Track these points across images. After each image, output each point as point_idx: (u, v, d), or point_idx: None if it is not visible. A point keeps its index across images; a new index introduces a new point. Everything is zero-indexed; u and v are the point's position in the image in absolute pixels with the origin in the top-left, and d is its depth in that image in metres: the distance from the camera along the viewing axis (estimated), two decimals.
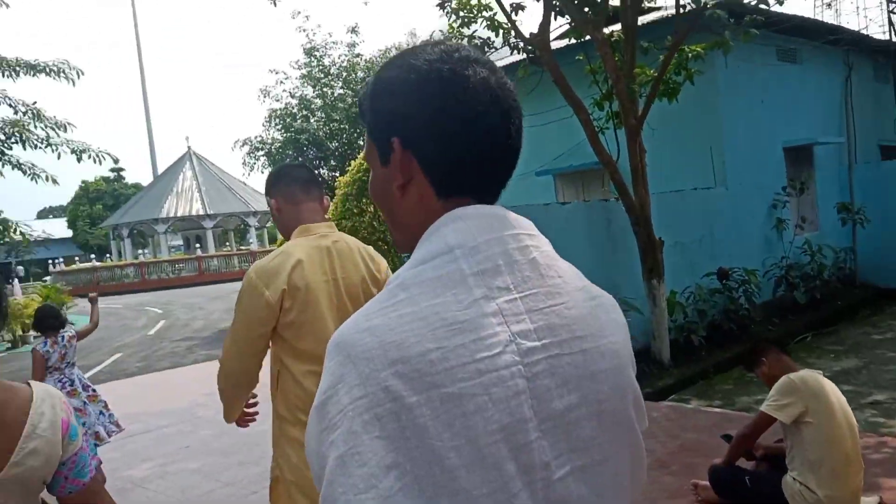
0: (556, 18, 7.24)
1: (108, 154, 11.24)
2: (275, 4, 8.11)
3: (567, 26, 8.57)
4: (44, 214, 67.06)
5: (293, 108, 16.42)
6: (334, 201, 9.90)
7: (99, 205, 55.26)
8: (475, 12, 8.08)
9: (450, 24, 8.55)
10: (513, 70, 8.26)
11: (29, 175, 11.07)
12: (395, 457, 0.69)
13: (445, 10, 8.35)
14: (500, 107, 0.85)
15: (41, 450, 1.33)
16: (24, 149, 10.72)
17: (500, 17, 7.96)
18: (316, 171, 17.40)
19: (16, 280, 35.46)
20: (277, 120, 16.53)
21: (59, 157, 10.88)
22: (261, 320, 2.18)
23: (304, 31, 16.83)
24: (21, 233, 11.30)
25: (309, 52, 16.61)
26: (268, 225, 46.65)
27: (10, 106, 10.70)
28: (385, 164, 0.87)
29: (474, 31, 8.00)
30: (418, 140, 0.83)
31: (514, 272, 0.80)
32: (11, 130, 10.35)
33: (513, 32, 7.69)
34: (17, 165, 10.94)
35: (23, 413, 1.33)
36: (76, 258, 50.74)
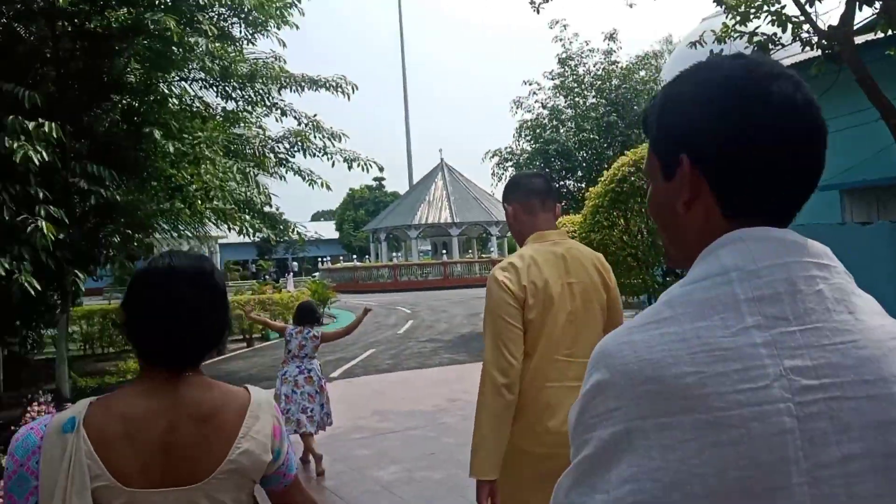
0: (861, 8, 6.11)
1: (375, 162, 12.07)
2: (537, 12, 7.96)
3: (874, 16, 7.26)
4: (316, 217, 76.07)
5: (544, 118, 16.40)
6: (583, 213, 9.52)
7: (362, 210, 61.19)
8: (758, 6, 7.17)
9: (724, 24, 7.74)
10: (803, 69, 7.18)
11: (307, 181, 12.29)
12: (635, 472, 0.70)
13: (723, 7, 7.55)
14: (804, 126, 0.80)
15: (253, 451, 1.41)
16: (305, 157, 11.92)
17: (789, 10, 6.97)
18: (562, 182, 17.36)
19: (290, 274, 40.59)
20: (527, 131, 16.62)
21: (332, 165, 11.92)
22: (510, 314, 2.28)
23: (561, 40, 16.75)
24: (298, 232, 12.59)
25: (563, 62, 16.46)
26: (507, 235, 47.82)
27: (296, 118, 11.96)
28: (669, 178, 0.85)
29: (757, 27, 7.09)
30: (709, 157, 0.81)
31: (795, 303, 0.75)
32: (295, 140, 11.57)
33: (804, 26, 6.66)
34: (298, 171, 12.21)
35: (239, 416, 1.42)
36: (340, 257, 56.71)
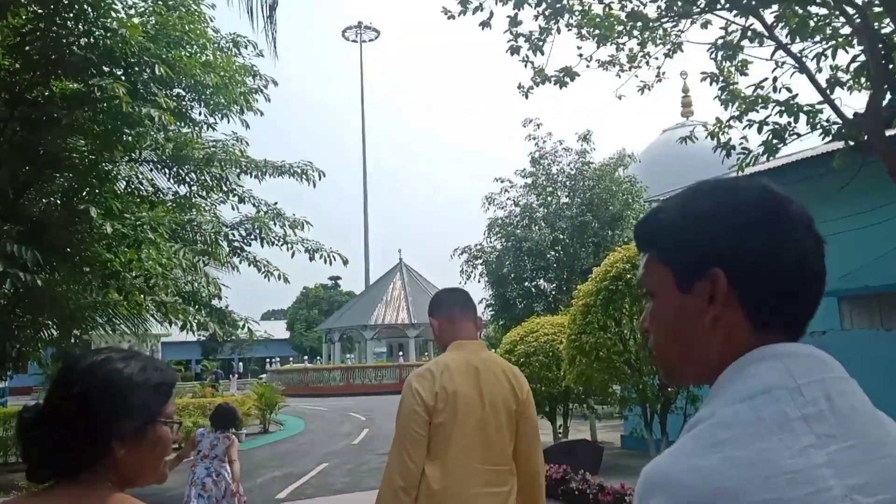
0: (891, 92, 5.65)
1: (339, 254, 11.13)
2: (526, 97, 7.39)
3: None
4: (267, 317, 73.78)
5: (516, 216, 15.89)
6: (571, 312, 8.67)
7: (316, 309, 59.46)
8: (765, 97, 6.72)
9: (717, 118, 7.29)
10: (821, 163, 6.67)
11: (263, 272, 11.21)
12: None
13: (722, 97, 7.10)
14: (814, 240, 0.85)
15: None
16: (262, 246, 10.91)
17: (800, 99, 6.52)
18: (534, 283, 16.76)
19: (235, 376, 38.25)
20: (498, 228, 16.04)
21: (292, 255, 10.91)
22: (416, 421, 2.40)
23: (535, 138, 16.55)
24: (249, 329, 11.36)
25: (536, 161, 16.17)
26: None
27: (255, 206, 11.04)
28: (686, 292, 0.85)
29: (767, 117, 6.60)
30: (742, 273, 0.82)
31: (838, 419, 0.74)
32: (253, 226, 10.58)
33: (825, 114, 6.18)
34: (254, 262, 11.14)
35: None
36: (290, 359, 54.39)
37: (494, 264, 15.52)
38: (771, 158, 7.06)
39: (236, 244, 11.06)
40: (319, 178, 10.98)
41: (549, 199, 15.83)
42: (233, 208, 11.17)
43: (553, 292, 15.35)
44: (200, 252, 10.81)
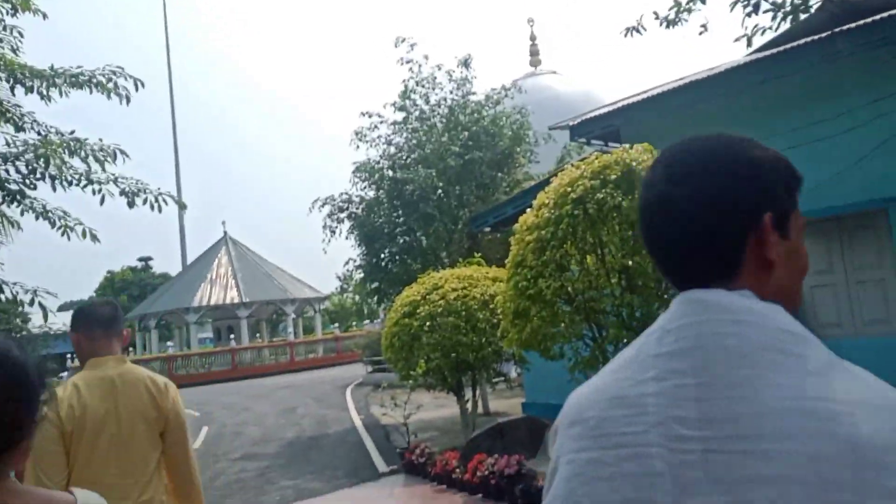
0: None
1: (171, 197, 8.05)
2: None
3: None
4: (65, 308, 64.42)
5: (390, 156, 13.39)
6: (515, 253, 6.56)
7: (124, 295, 52.61)
8: None
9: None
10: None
11: (59, 227, 7.79)
12: (550, 497, 0.88)
13: None
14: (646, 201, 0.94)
15: None
16: (54, 188, 7.54)
17: None
18: (413, 237, 14.45)
19: None
20: (365, 174, 13.47)
21: (102, 201, 7.64)
22: (51, 440, 2.41)
23: (409, 62, 13.97)
24: (41, 305, 7.90)
25: (405, 95, 13.74)
26: (304, 314, 43.56)
27: (38, 133, 7.60)
28: (786, 237, 0.88)
29: None
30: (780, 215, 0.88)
31: (695, 357, 0.80)
32: (37, 158, 7.18)
33: None
34: (43, 213, 7.70)
35: None
36: None
37: (364, 216, 13.05)
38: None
39: (13, 186, 7.58)
40: (137, 89, 7.78)
41: (429, 134, 13.50)
42: (6, 143, 7.60)
43: (437, 246, 13.21)
44: None
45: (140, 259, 57.55)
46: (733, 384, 0.77)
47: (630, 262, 5.87)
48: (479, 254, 9.78)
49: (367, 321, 47.35)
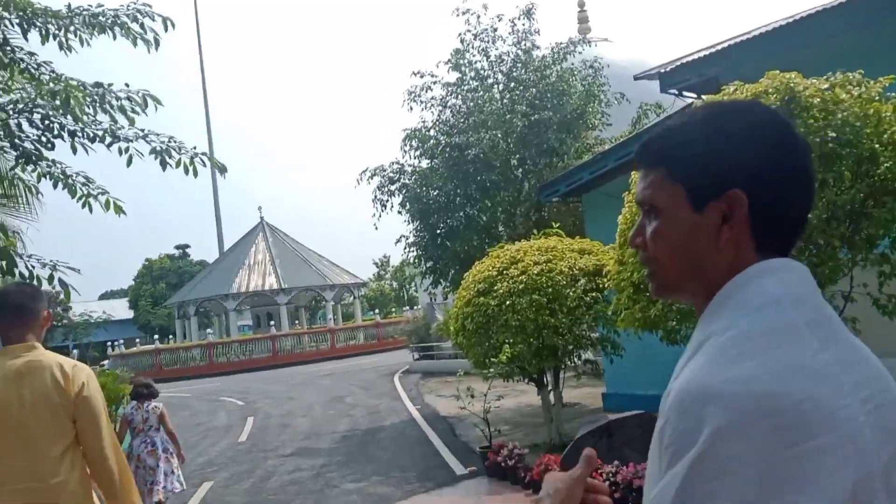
0: None
1: (209, 158, 6.91)
2: None
3: None
4: (106, 297, 64.85)
5: (446, 120, 12.05)
6: (624, 218, 5.29)
7: (162, 283, 52.51)
8: None
9: None
10: None
11: (80, 197, 6.68)
12: None
13: None
14: (812, 167, 0.90)
15: None
16: (74, 147, 6.44)
17: None
18: (470, 209, 13.10)
19: None
20: (416, 141, 12.20)
21: (129, 162, 6.52)
22: None
23: (466, 13, 12.57)
24: (59, 280, 6.83)
25: (460, 52, 12.35)
26: (342, 301, 42.71)
27: (56, 80, 6.46)
28: (699, 210, 0.86)
29: None
30: (761, 194, 0.84)
31: (828, 325, 0.81)
32: (54, 107, 6.07)
33: None
34: (63, 178, 6.61)
35: None
36: (137, 340, 47.50)
37: (417, 188, 11.81)
38: None
39: (27, 144, 6.51)
40: (166, 29, 6.63)
41: (489, 93, 12.11)
42: (6, 90, 6.50)
43: (501, 219, 11.91)
44: None
45: (177, 247, 57.48)
46: (856, 347, 0.82)
47: None
48: (557, 224, 8.48)
49: (406, 308, 46.43)
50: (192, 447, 11.04)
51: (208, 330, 36.04)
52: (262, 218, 39.97)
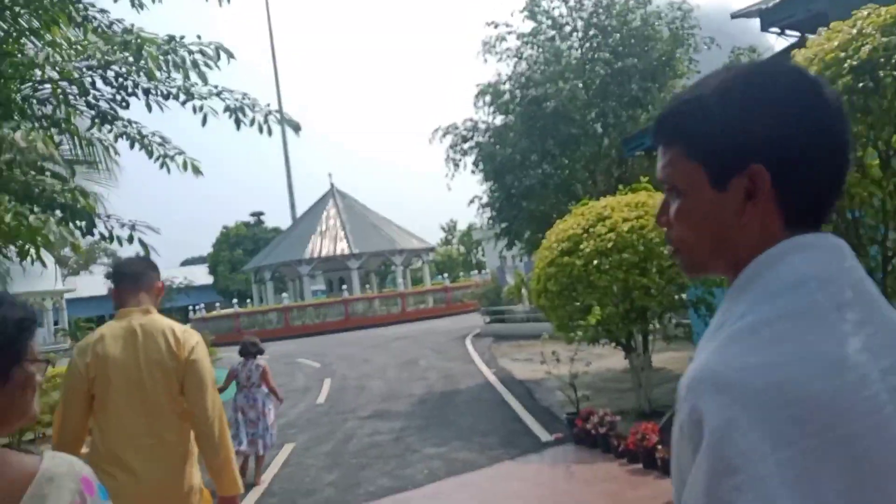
0: None
1: (283, 114, 6.70)
2: None
3: None
4: (187, 264, 67.45)
5: (523, 72, 11.50)
6: None
7: (239, 250, 54.10)
8: None
9: None
10: None
11: (158, 157, 6.60)
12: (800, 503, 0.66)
13: None
14: (846, 132, 0.81)
15: None
16: (149, 104, 6.33)
17: None
18: (548, 167, 12.58)
19: None
20: (489, 97, 11.70)
21: (204, 121, 6.38)
22: (75, 386, 2.70)
23: None
24: (140, 241, 6.80)
25: (534, 0, 11.71)
26: (410, 266, 42.89)
27: (128, 32, 6.26)
28: (720, 188, 0.81)
29: None
30: (784, 166, 0.78)
31: (863, 306, 0.76)
32: (130, 64, 5.92)
33: None
34: (139, 139, 6.53)
35: (12, 494, 1.06)
36: (216, 304, 49.22)
37: (491, 146, 11.36)
38: None
39: (102, 105, 6.44)
40: None
41: (568, 41, 11.44)
42: (81, 50, 6.35)
43: (582, 175, 11.35)
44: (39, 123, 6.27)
45: (252, 214, 58.96)
46: (892, 329, 0.76)
47: None
48: (646, 177, 7.91)
49: (474, 272, 46.21)
50: None
51: (283, 294, 36.86)
52: (332, 184, 40.36)
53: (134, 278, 2.86)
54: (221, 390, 6.47)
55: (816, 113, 0.78)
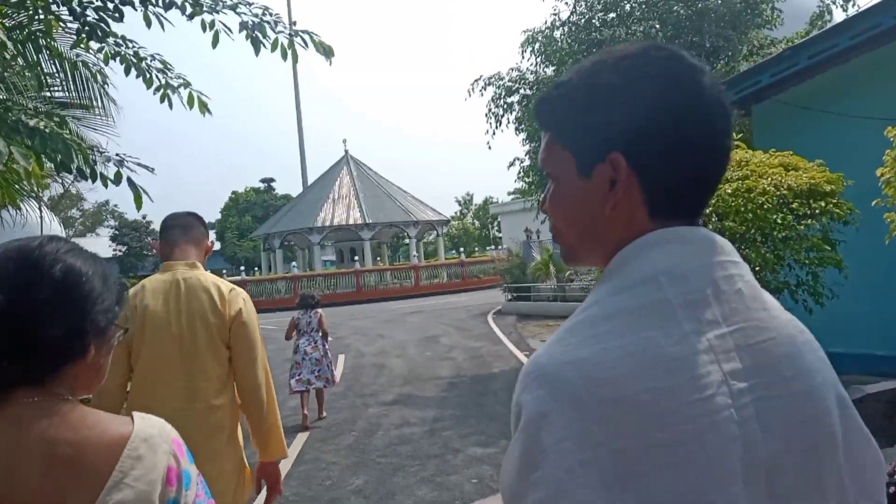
0: None
1: (308, 34, 5.46)
2: None
3: None
4: None
5: (582, 13, 10.13)
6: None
7: (248, 216, 53.07)
8: None
9: None
10: None
11: (157, 88, 5.33)
12: None
13: None
14: (725, 120, 0.79)
15: (130, 503, 1.03)
16: (149, 23, 5.08)
17: None
18: None
19: None
20: (539, 44, 10.37)
21: (215, 41, 5.14)
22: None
23: None
24: (135, 191, 5.59)
25: None
26: (423, 239, 41.70)
27: None
28: (585, 176, 0.80)
29: None
30: (646, 157, 0.76)
31: (721, 303, 0.73)
32: None
33: None
34: (135, 61, 5.27)
35: (111, 456, 1.04)
36: (223, 271, 48.36)
37: (534, 98, 10.14)
38: None
39: (89, 15, 5.19)
40: None
41: None
42: None
43: None
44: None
45: (262, 180, 57.81)
46: (759, 328, 0.74)
47: None
48: (739, 133, 6.63)
49: (490, 247, 44.96)
50: (282, 386, 10.04)
51: (293, 263, 35.85)
52: (346, 151, 39.04)
53: (182, 230, 2.73)
54: (287, 338, 7.97)
55: (686, 101, 0.75)
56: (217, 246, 54.34)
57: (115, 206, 53.11)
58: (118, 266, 44.68)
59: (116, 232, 49.82)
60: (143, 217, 48.75)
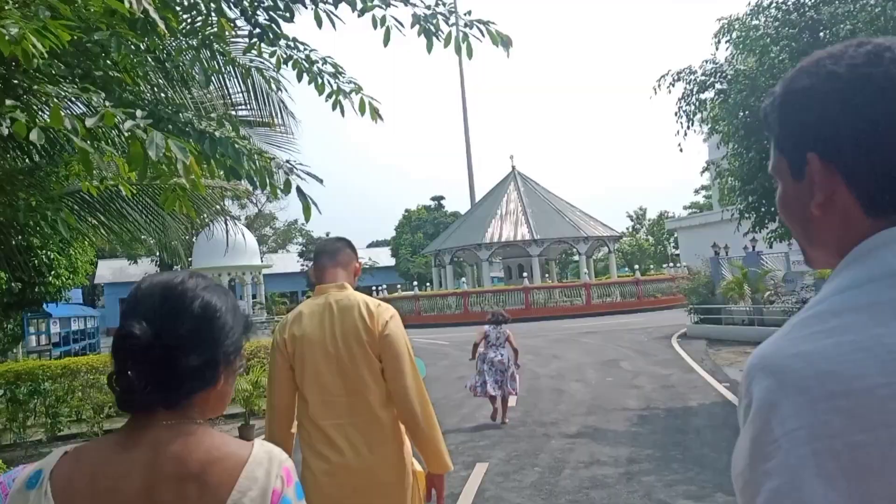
0: None
1: (493, 28, 4.83)
2: None
3: None
4: (372, 246, 69.91)
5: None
6: None
7: (420, 233, 54.57)
8: None
9: None
10: None
11: (329, 95, 4.96)
12: (835, 498, 0.62)
13: None
14: None
15: None
16: (319, 23, 4.75)
17: None
18: None
19: None
20: (738, 32, 9.09)
21: (387, 38, 4.70)
22: (279, 362, 2.73)
23: None
24: (304, 201, 5.30)
25: None
26: (592, 256, 40.12)
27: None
28: (798, 178, 0.80)
29: None
30: (843, 154, 0.75)
31: None
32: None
33: None
34: (307, 66, 4.96)
35: (232, 475, 1.14)
36: (398, 286, 49.91)
37: (738, 96, 8.74)
38: None
39: (260, 16, 4.98)
40: None
41: None
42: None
43: None
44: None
45: (433, 198, 59.22)
46: None
47: None
48: None
49: (667, 265, 42.28)
50: (455, 408, 9.54)
51: (462, 279, 35.96)
52: (513, 167, 38.65)
53: (331, 255, 2.91)
54: (474, 347, 8.65)
55: (883, 97, 0.72)
56: (392, 262, 56.60)
57: (303, 224, 57.07)
58: (306, 281, 47.64)
59: (304, 248, 53.59)
60: (327, 234, 51.86)
